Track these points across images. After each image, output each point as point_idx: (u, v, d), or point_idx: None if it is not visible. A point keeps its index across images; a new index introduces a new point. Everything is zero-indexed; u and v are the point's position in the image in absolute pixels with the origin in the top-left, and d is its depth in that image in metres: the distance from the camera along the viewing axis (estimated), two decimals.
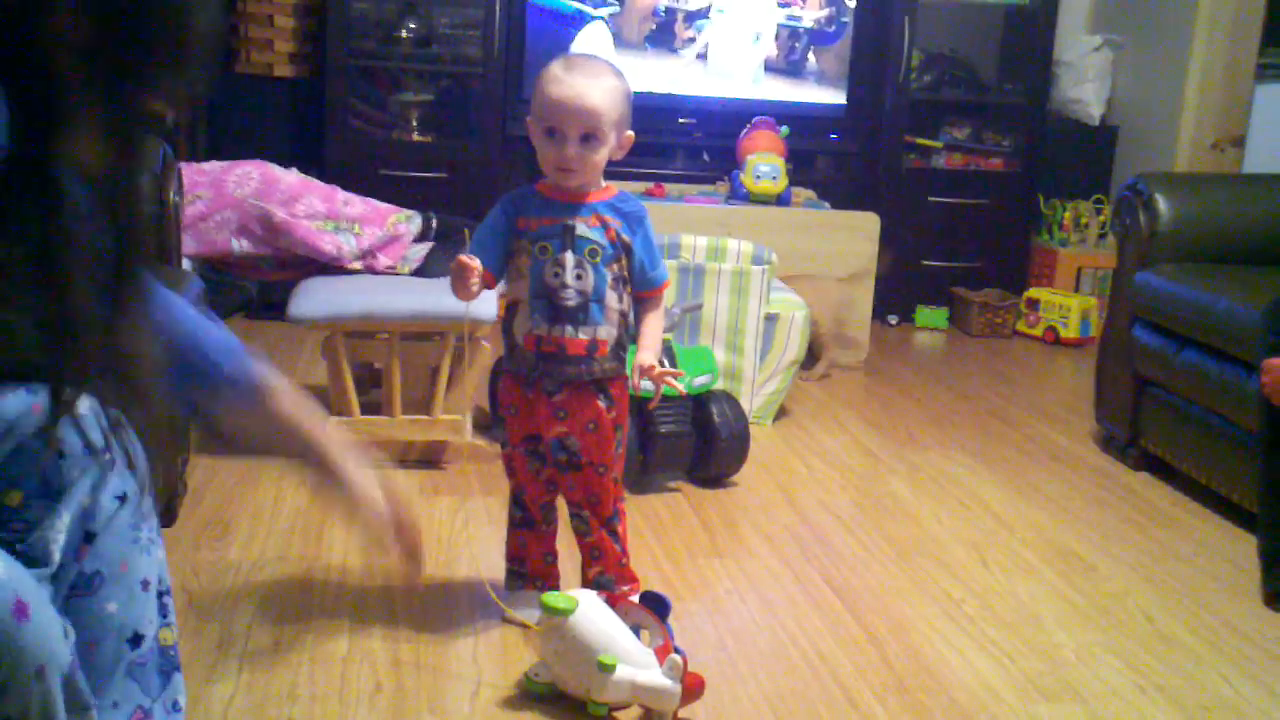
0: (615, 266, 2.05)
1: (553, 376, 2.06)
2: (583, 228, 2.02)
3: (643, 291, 2.11)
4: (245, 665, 1.94)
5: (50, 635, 1.03)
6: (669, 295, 3.17)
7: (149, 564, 1.31)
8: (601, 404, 2.08)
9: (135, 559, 1.30)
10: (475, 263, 1.98)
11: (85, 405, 1.24)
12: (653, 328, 2.12)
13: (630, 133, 2.04)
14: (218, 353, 1.48)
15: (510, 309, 2.09)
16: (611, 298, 2.05)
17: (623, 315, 2.08)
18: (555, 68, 2.01)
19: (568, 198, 2.04)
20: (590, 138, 1.98)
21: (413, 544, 1.64)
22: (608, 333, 2.05)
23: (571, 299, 2.02)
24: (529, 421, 2.11)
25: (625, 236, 2.05)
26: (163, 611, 1.34)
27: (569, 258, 2.01)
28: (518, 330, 2.06)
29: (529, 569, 2.20)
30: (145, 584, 1.31)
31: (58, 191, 1.11)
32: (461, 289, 1.98)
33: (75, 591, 1.26)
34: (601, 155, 2.01)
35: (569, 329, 2.03)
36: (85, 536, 1.24)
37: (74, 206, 1.11)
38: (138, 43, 1.12)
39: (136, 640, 1.30)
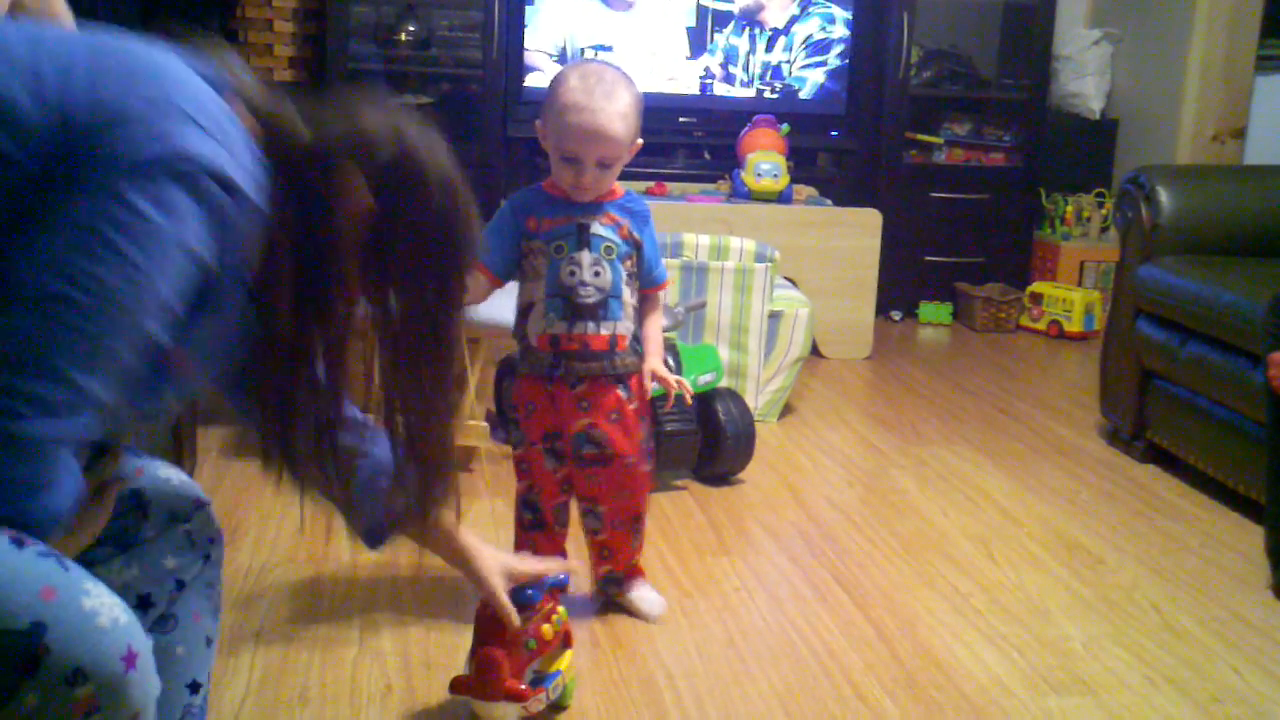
0: (629, 263, 2.08)
1: (574, 373, 2.08)
2: (597, 226, 2.05)
3: (646, 289, 2.13)
4: (256, 668, 1.94)
5: (149, 685, 1.08)
6: (672, 294, 3.18)
7: (213, 626, 1.46)
8: (621, 394, 2.11)
9: (206, 614, 1.46)
10: None
11: (178, 479, 1.40)
12: (655, 330, 2.16)
13: (639, 140, 2.06)
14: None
15: (523, 311, 2.10)
16: (627, 293, 2.08)
17: (635, 310, 2.11)
18: (573, 89, 1.98)
19: (577, 200, 2.06)
20: (607, 164, 2.01)
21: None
22: (625, 327, 2.08)
23: (591, 296, 2.04)
24: (550, 417, 2.12)
25: (636, 234, 2.08)
26: (209, 676, 1.46)
27: (585, 256, 2.04)
28: (531, 331, 2.08)
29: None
30: (208, 641, 1.44)
31: (306, 364, 1.29)
32: None
33: (153, 628, 1.34)
34: (616, 171, 2.04)
35: (590, 325, 2.05)
36: (178, 585, 1.39)
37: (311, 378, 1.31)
38: (409, 238, 1.28)
39: (195, 687, 1.43)
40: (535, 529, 2.19)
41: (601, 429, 2.10)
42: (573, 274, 2.03)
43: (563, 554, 2.21)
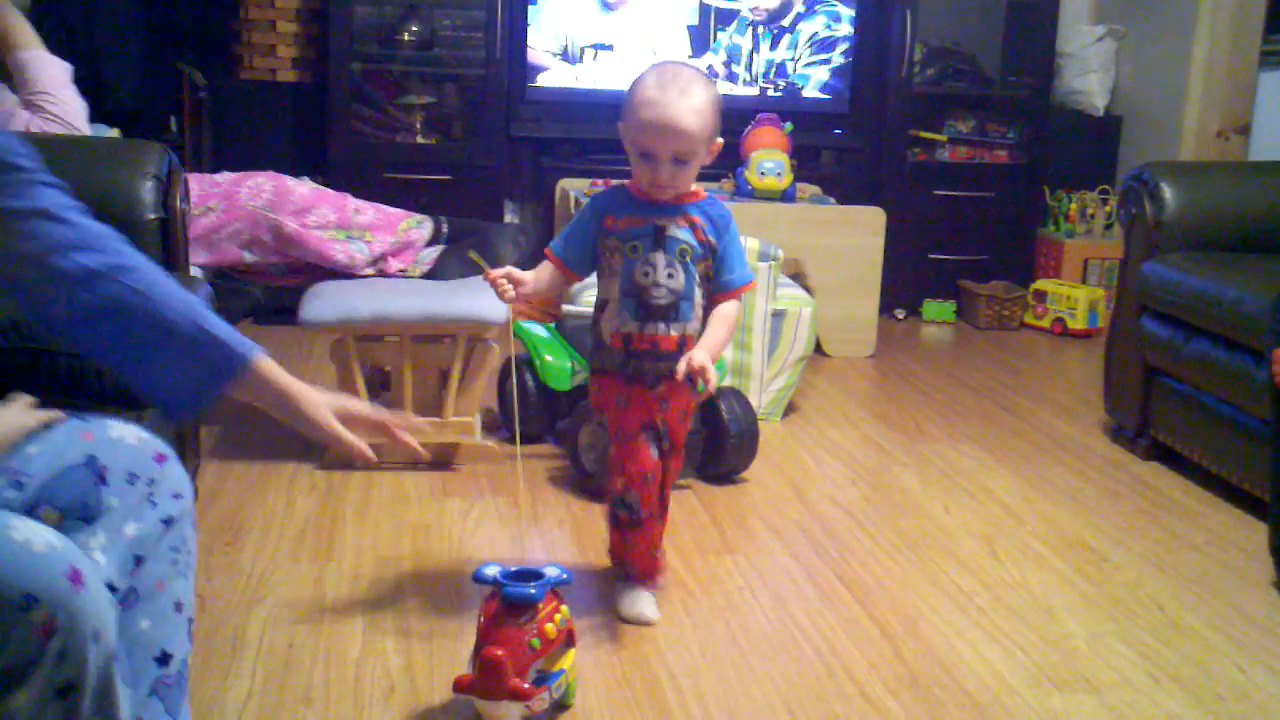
0: (702, 266, 2.09)
1: (647, 373, 2.10)
2: (674, 228, 2.06)
3: (725, 294, 2.11)
4: (260, 669, 1.94)
5: (104, 604, 1.07)
6: None
7: (183, 588, 1.39)
8: (691, 394, 2.13)
9: (171, 581, 1.38)
10: (494, 274, 2.04)
11: (134, 436, 1.31)
12: (715, 328, 2.10)
13: (720, 140, 2.08)
14: (233, 339, 1.44)
15: (599, 307, 2.13)
16: (698, 295, 2.10)
17: (705, 310, 2.13)
18: (649, 85, 2.01)
19: (657, 200, 2.08)
20: (682, 160, 2.02)
21: (388, 432, 1.61)
22: (695, 328, 2.11)
23: (663, 297, 2.06)
24: (642, 411, 2.12)
25: (712, 238, 2.09)
26: (190, 636, 1.40)
27: (660, 257, 2.06)
28: (605, 328, 2.11)
29: (636, 568, 2.20)
30: (178, 606, 1.38)
31: None
32: (501, 297, 2.06)
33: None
34: (694, 170, 2.06)
35: (661, 326, 2.07)
36: (136, 560, 1.32)
37: None
38: None
39: (164, 659, 1.36)
40: (632, 527, 2.15)
41: (670, 425, 2.14)
42: (646, 274, 2.06)
43: (659, 549, 2.20)
